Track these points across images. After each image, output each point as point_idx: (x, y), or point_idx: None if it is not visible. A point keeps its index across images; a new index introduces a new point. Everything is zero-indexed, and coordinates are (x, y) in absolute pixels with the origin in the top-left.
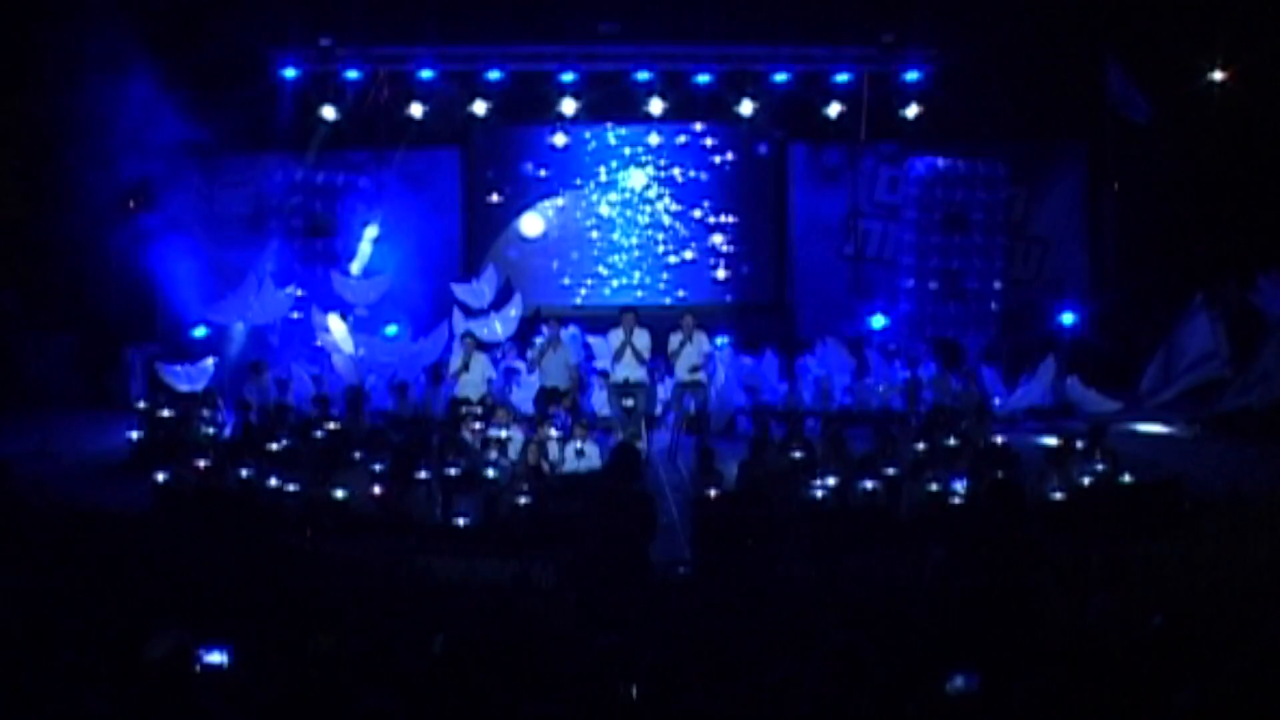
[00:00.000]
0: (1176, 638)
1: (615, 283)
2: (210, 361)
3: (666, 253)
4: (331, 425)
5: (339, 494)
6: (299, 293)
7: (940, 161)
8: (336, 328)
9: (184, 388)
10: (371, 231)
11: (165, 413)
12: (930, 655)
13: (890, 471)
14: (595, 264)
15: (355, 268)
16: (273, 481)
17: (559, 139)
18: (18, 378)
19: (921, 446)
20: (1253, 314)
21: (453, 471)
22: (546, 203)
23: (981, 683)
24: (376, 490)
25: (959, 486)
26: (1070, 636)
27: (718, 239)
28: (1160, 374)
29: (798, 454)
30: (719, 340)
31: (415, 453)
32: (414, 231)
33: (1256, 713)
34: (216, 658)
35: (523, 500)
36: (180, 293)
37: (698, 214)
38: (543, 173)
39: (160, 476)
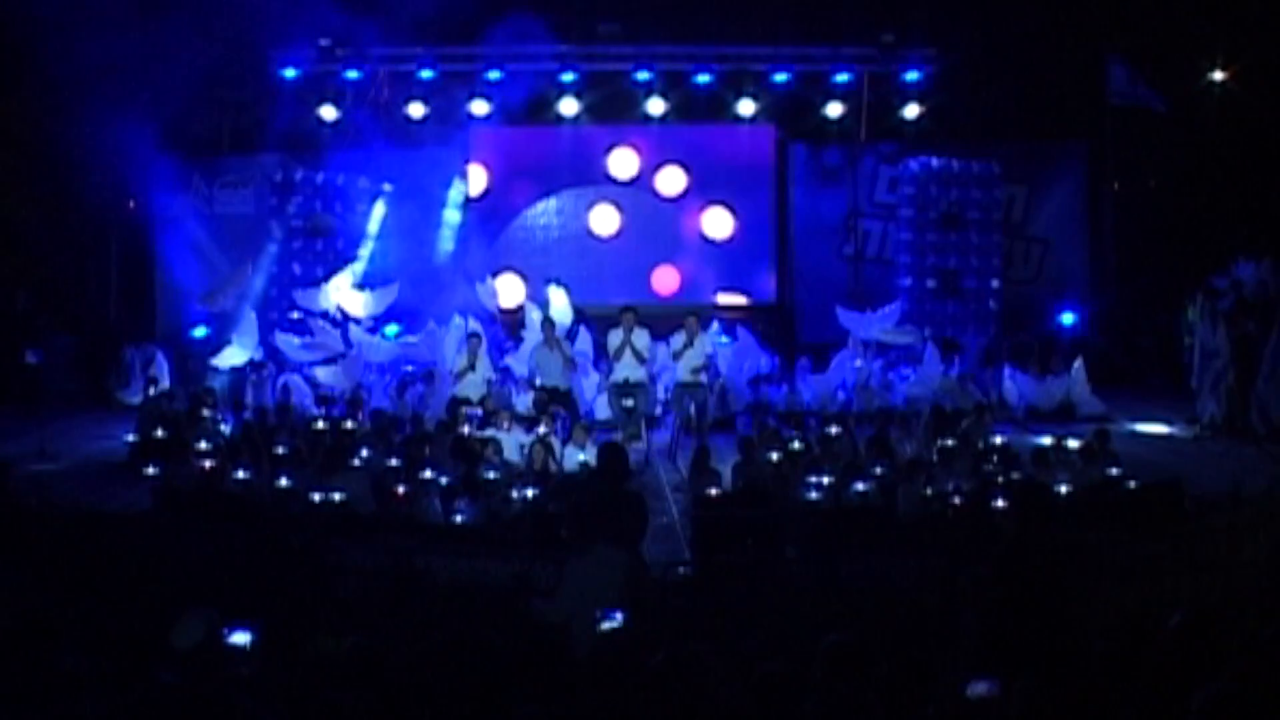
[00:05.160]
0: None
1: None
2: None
3: (667, 252)
4: (330, 425)
5: (338, 495)
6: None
7: (934, 160)
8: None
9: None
10: (379, 209)
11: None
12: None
13: (878, 471)
14: (595, 263)
15: (364, 253)
16: (275, 482)
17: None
18: (21, 377)
19: (931, 447)
20: (1251, 309)
21: (452, 472)
22: (549, 202)
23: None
24: (400, 490)
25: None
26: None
27: (718, 238)
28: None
29: (775, 455)
30: (720, 339)
31: (415, 453)
32: (413, 232)
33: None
34: (241, 638)
35: (523, 500)
36: (180, 293)
37: (698, 213)
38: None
39: (150, 470)
